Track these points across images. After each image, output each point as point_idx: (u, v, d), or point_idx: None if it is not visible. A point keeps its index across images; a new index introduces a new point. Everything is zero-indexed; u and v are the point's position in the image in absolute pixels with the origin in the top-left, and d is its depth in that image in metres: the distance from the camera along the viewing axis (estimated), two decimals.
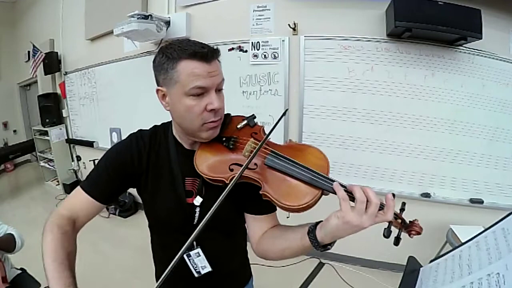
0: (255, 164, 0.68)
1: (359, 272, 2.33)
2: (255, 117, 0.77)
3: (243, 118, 0.78)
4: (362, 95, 2.12)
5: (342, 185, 0.60)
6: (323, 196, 0.63)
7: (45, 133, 4.11)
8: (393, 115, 2.10)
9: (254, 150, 0.65)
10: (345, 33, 2.09)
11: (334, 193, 0.60)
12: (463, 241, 0.70)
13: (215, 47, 0.67)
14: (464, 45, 1.91)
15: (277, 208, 0.67)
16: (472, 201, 2.07)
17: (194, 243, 0.78)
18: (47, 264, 0.63)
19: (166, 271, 0.52)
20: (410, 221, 0.62)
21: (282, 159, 0.66)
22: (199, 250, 0.78)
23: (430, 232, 2.17)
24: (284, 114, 0.71)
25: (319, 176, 0.62)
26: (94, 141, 3.78)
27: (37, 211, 3.65)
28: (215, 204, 0.57)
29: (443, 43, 1.92)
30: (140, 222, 3.26)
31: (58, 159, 4.10)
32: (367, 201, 0.55)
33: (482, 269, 0.53)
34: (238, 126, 0.75)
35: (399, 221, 0.61)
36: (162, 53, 0.66)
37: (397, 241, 0.61)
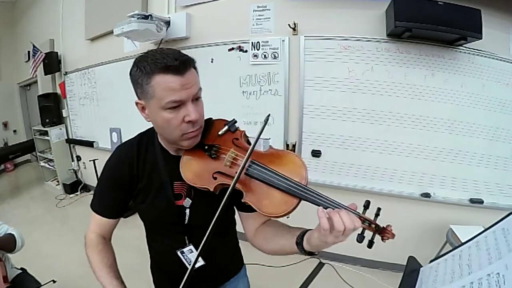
0: (237, 172, 0.70)
1: (359, 272, 2.33)
2: (235, 122, 0.78)
3: (224, 122, 0.78)
4: (362, 95, 2.12)
5: (317, 200, 0.64)
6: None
7: (45, 133, 4.11)
8: (393, 115, 2.10)
9: (237, 161, 0.70)
10: (345, 33, 2.09)
11: (313, 203, 0.64)
12: (463, 241, 0.70)
13: (187, 57, 0.67)
14: (464, 45, 1.91)
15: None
16: (472, 201, 2.07)
17: (187, 240, 0.83)
18: (99, 279, 0.77)
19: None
20: (383, 227, 0.64)
21: (262, 168, 0.69)
22: (191, 247, 0.83)
23: (430, 232, 2.17)
24: (266, 121, 0.71)
25: (297, 186, 0.65)
26: (94, 141, 3.78)
27: (37, 211, 3.65)
28: (212, 223, 0.63)
29: (443, 43, 1.92)
30: (140, 222, 3.25)
31: (58, 159, 4.10)
32: (344, 229, 0.58)
33: (482, 269, 0.53)
34: (220, 133, 0.76)
35: (373, 226, 0.63)
36: (136, 66, 0.67)
37: (370, 244, 0.63)
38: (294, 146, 2.34)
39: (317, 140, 2.29)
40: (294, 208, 0.65)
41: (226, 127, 0.76)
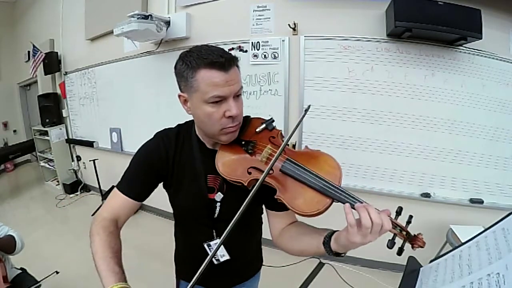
0: (272, 169, 0.70)
1: (359, 272, 2.33)
2: (273, 121, 0.79)
3: (261, 121, 0.81)
4: (362, 95, 2.12)
5: (351, 202, 0.63)
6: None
7: (45, 133, 4.11)
8: (393, 115, 2.10)
9: (273, 158, 0.68)
10: (345, 33, 2.09)
11: (343, 203, 0.63)
12: (463, 241, 0.71)
13: (232, 55, 0.70)
14: (464, 45, 1.91)
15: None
16: (472, 201, 2.07)
17: (214, 234, 0.84)
18: (98, 263, 0.66)
19: (197, 274, 0.55)
20: (414, 235, 0.65)
21: (297, 166, 0.69)
22: (218, 241, 0.82)
23: (430, 232, 2.16)
24: (306, 111, 0.74)
25: (331, 186, 0.65)
26: (94, 141, 3.78)
27: (37, 211, 3.65)
28: (238, 212, 0.60)
29: (443, 43, 1.92)
30: (140, 222, 3.26)
31: (58, 159, 4.10)
32: (372, 225, 0.58)
33: (482, 269, 0.53)
34: (257, 130, 0.78)
35: (404, 233, 0.64)
36: (182, 60, 0.69)
37: (400, 251, 0.64)
38: (294, 146, 2.34)
39: (317, 140, 2.29)
40: (327, 208, 0.65)
41: (263, 125, 0.78)
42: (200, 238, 0.86)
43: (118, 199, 0.80)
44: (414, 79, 2.02)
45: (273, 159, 0.67)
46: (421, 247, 0.64)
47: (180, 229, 0.96)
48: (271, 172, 0.70)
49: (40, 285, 1.58)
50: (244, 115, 0.80)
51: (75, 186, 4.10)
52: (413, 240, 0.64)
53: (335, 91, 2.17)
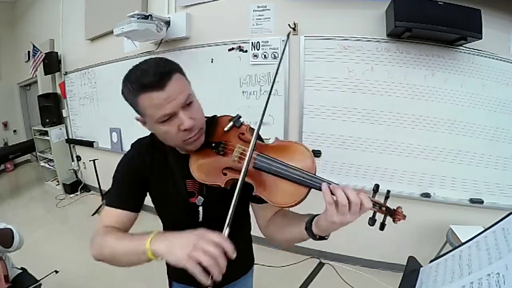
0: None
1: (359, 272, 2.33)
2: (240, 117, 0.79)
3: (229, 119, 0.79)
4: (362, 95, 2.12)
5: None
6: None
7: (45, 133, 4.11)
8: (393, 115, 2.10)
9: (244, 156, 0.69)
10: (345, 33, 2.09)
11: (320, 190, 0.64)
12: (463, 241, 0.71)
13: (169, 66, 0.67)
14: (464, 45, 1.91)
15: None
16: (472, 201, 2.07)
17: None
18: (122, 243, 0.66)
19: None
20: (394, 209, 0.66)
21: (270, 161, 0.69)
22: None
23: (430, 232, 2.17)
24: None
25: (305, 175, 0.66)
26: (94, 141, 3.78)
27: (37, 211, 3.65)
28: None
29: (443, 43, 1.92)
30: (140, 222, 3.25)
31: (58, 159, 4.10)
32: (349, 203, 0.59)
33: (482, 269, 0.53)
34: (225, 129, 0.76)
35: (384, 209, 0.65)
36: (124, 86, 0.69)
37: (382, 226, 0.65)
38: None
39: (317, 140, 2.29)
40: (304, 198, 0.66)
41: (231, 123, 0.77)
42: None
43: (111, 215, 0.78)
44: (414, 79, 2.02)
45: (245, 162, 0.67)
46: (402, 220, 0.65)
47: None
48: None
49: (40, 285, 1.58)
50: (211, 115, 0.81)
51: (75, 186, 4.10)
52: (394, 214, 0.66)
53: (335, 91, 2.17)
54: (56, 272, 1.77)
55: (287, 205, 0.67)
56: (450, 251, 0.71)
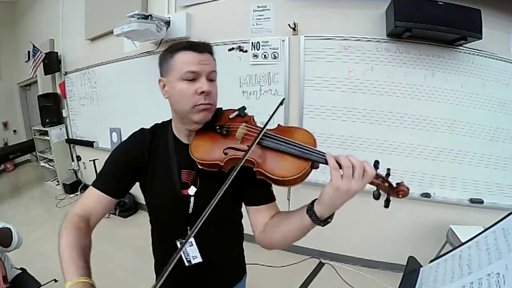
0: (249, 145, 0.72)
1: (359, 272, 2.33)
2: (245, 108, 0.83)
3: (234, 110, 0.83)
4: (362, 95, 2.12)
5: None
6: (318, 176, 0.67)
7: (45, 133, 4.11)
8: (393, 115, 2.10)
9: (249, 137, 0.73)
10: (345, 33, 2.09)
11: (324, 163, 0.65)
12: (463, 241, 0.71)
13: (209, 43, 0.79)
14: (464, 45, 1.91)
15: (273, 184, 0.71)
16: (472, 201, 2.07)
17: (189, 231, 0.80)
18: (63, 257, 0.64)
19: (167, 270, 0.53)
20: (396, 183, 0.66)
21: (274, 137, 0.72)
22: (192, 239, 0.82)
23: (430, 232, 2.17)
24: (281, 103, 0.81)
25: (307, 149, 0.68)
26: (94, 141, 3.78)
27: (37, 211, 3.65)
28: (218, 193, 0.61)
29: (443, 43, 1.92)
30: (140, 222, 3.26)
31: (58, 159, 4.10)
32: (352, 166, 0.60)
33: (482, 269, 0.53)
34: (230, 117, 0.81)
35: (386, 184, 0.65)
36: (164, 50, 0.79)
37: (387, 203, 0.65)
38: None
39: (317, 140, 2.27)
40: (307, 171, 0.67)
41: (236, 112, 0.82)
42: (175, 237, 0.84)
43: (93, 196, 0.80)
44: (414, 79, 2.02)
45: (257, 136, 0.70)
46: (406, 193, 0.65)
47: (155, 229, 0.94)
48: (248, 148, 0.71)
49: (40, 285, 1.58)
50: (217, 107, 0.84)
51: (75, 186, 4.10)
52: (397, 187, 0.66)
53: (335, 91, 2.17)
54: (56, 281, 1.76)
55: (289, 177, 0.66)
56: (450, 251, 0.71)
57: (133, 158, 0.82)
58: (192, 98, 0.74)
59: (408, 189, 0.65)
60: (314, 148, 0.68)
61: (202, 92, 0.73)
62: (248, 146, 0.71)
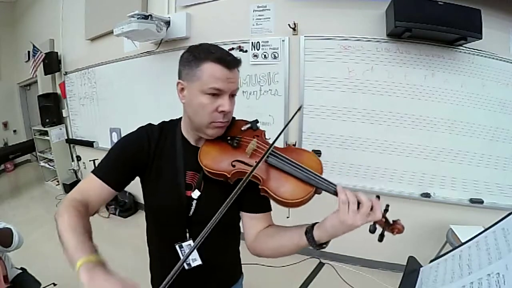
0: (256, 161, 0.72)
1: (359, 272, 2.33)
2: (258, 122, 0.83)
3: (246, 122, 0.83)
4: (362, 95, 2.12)
5: (333, 188, 0.68)
6: (317, 196, 0.69)
7: (45, 133, 4.11)
8: (393, 115, 2.10)
9: (257, 153, 0.73)
10: (345, 33, 2.09)
11: (333, 194, 0.66)
12: (463, 241, 0.71)
13: (238, 58, 0.76)
14: (464, 45, 1.91)
15: (276, 203, 0.72)
16: (472, 201, 2.07)
17: (188, 234, 0.82)
18: (67, 238, 0.59)
19: (169, 277, 0.53)
20: (393, 221, 0.67)
21: (282, 158, 0.72)
22: (191, 242, 0.82)
23: (430, 232, 2.17)
24: (299, 109, 0.80)
25: (314, 176, 0.69)
26: (94, 141, 3.78)
27: (37, 211, 3.65)
28: (224, 204, 0.60)
29: (443, 43, 1.92)
30: (140, 222, 3.25)
31: (58, 159, 4.10)
32: (359, 202, 0.62)
33: (482, 269, 0.54)
34: (242, 129, 0.81)
35: (383, 220, 0.66)
36: (190, 52, 0.74)
37: (381, 237, 0.66)
38: (294, 146, 2.34)
39: (317, 140, 2.29)
40: (310, 197, 0.68)
41: (249, 125, 0.81)
42: (172, 239, 0.83)
43: (92, 183, 0.77)
44: (414, 79, 2.02)
45: (266, 150, 0.71)
46: (401, 232, 0.65)
47: (152, 230, 0.92)
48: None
49: (40, 285, 1.58)
50: None
51: (75, 186, 4.09)
52: (392, 225, 0.66)
53: (335, 91, 2.17)
54: (55, 284, 1.75)
55: (292, 200, 0.67)
56: (450, 251, 0.71)
57: (140, 151, 0.80)
58: (211, 114, 0.72)
59: (403, 227, 0.66)
60: (325, 178, 0.68)
61: (222, 111, 0.72)
62: (256, 162, 0.71)
